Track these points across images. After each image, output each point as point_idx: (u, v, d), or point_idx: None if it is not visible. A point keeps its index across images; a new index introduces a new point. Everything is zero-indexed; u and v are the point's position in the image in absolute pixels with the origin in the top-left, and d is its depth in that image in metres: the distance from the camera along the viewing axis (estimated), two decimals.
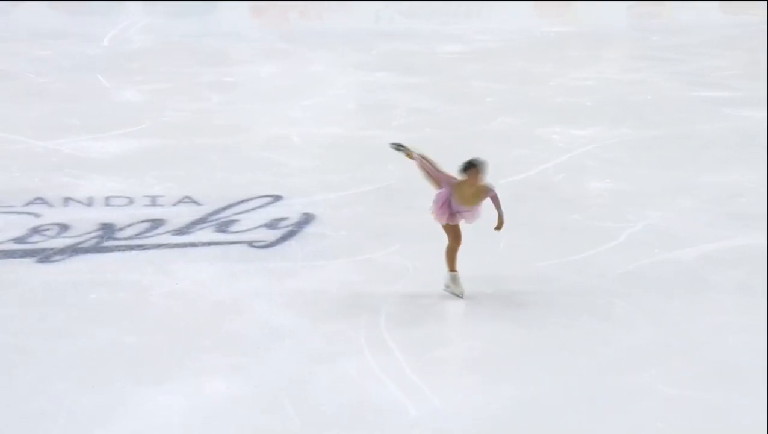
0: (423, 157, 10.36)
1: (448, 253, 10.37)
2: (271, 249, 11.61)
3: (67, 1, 23.64)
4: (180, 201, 12.70)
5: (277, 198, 12.72)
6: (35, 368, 9.41)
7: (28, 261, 11.36)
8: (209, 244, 11.72)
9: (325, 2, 24.16)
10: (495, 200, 10.29)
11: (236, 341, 9.81)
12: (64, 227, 12.02)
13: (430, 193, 12.80)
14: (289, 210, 12.40)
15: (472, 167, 10.13)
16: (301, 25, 22.59)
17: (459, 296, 10.39)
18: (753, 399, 8.94)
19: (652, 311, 10.26)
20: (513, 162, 13.72)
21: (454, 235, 10.34)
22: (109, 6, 23.84)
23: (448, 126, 15.36)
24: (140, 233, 11.91)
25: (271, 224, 12.10)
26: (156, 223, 12.13)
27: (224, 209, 12.45)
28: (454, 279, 10.40)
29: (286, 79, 17.70)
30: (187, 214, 12.34)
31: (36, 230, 11.96)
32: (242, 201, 12.60)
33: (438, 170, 10.31)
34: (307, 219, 12.14)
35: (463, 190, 10.22)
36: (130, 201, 12.73)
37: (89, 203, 12.71)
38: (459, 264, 10.38)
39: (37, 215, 12.33)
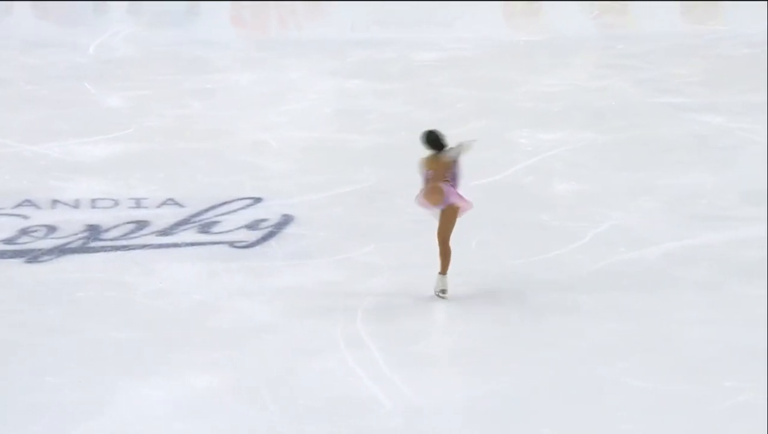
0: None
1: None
2: (252, 249, 11.61)
3: (55, 9, 23.57)
4: (164, 203, 12.68)
5: (258, 200, 12.71)
6: (27, 363, 9.40)
7: (17, 261, 11.33)
8: (192, 244, 11.71)
9: (303, 12, 24.12)
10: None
11: (219, 337, 9.82)
12: (52, 229, 12.00)
13: (404, 194, 12.87)
14: (269, 212, 12.39)
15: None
16: (280, 34, 22.55)
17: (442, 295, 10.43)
18: (715, 389, 8.99)
19: (618, 307, 10.31)
20: (484, 165, 13.73)
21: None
22: (94, 16, 23.76)
23: (420, 131, 15.35)
24: (125, 234, 11.89)
25: (252, 225, 12.10)
26: (141, 224, 12.11)
27: (206, 210, 12.43)
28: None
29: (265, 85, 17.67)
30: (170, 215, 12.32)
31: (25, 232, 11.94)
32: (224, 203, 12.59)
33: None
34: (286, 220, 12.14)
35: (429, 161, 10.31)
36: (116, 203, 12.70)
37: (76, 205, 12.68)
38: (433, 261, 10.40)
39: (25, 217, 12.30)
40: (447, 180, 10.23)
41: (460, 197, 10.27)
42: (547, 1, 25.15)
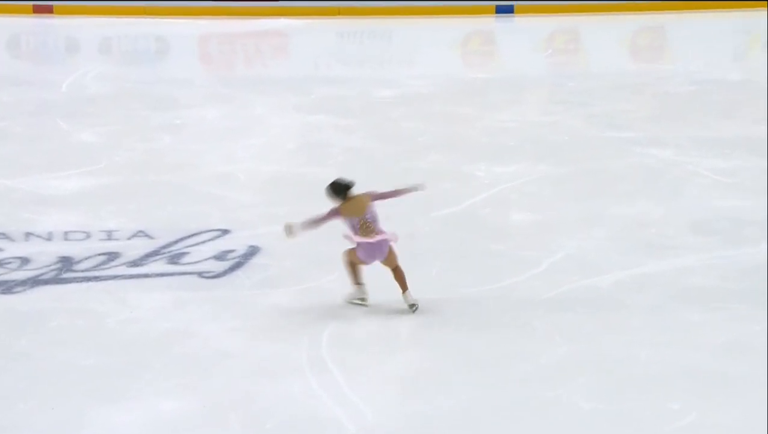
0: (308, 221, 10.52)
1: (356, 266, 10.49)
2: (219, 279, 11.59)
3: (28, 48, 23.55)
4: (134, 235, 12.65)
5: (225, 232, 12.70)
6: None
7: None
8: (162, 275, 11.68)
9: (268, 50, 24.20)
10: (384, 196, 10.43)
11: (187, 362, 9.79)
12: (25, 261, 11.94)
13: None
14: (236, 243, 12.38)
15: (342, 191, 10.27)
16: (246, 72, 22.60)
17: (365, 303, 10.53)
18: (662, 410, 9.04)
19: (569, 331, 10.35)
20: (443, 197, 13.80)
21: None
22: (67, 55, 23.74)
23: (381, 163, 15.42)
24: (97, 265, 11.85)
25: (220, 256, 12.08)
26: (112, 256, 12.07)
27: (176, 242, 12.41)
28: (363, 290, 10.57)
29: (231, 121, 17.69)
30: (141, 247, 12.28)
31: None
32: (193, 235, 12.57)
33: (324, 216, 10.46)
34: (253, 251, 12.13)
35: (347, 209, 10.31)
36: (87, 235, 12.66)
37: (49, 237, 12.62)
38: (395, 289, 10.48)
39: None
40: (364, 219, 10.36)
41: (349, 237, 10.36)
42: (502, 42, 25.36)
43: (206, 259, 12.01)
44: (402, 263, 10.55)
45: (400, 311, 10.59)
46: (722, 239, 12.59)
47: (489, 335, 10.30)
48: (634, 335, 10.29)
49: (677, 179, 14.77)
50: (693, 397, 9.20)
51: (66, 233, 12.73)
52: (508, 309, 10.81)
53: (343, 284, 11.07)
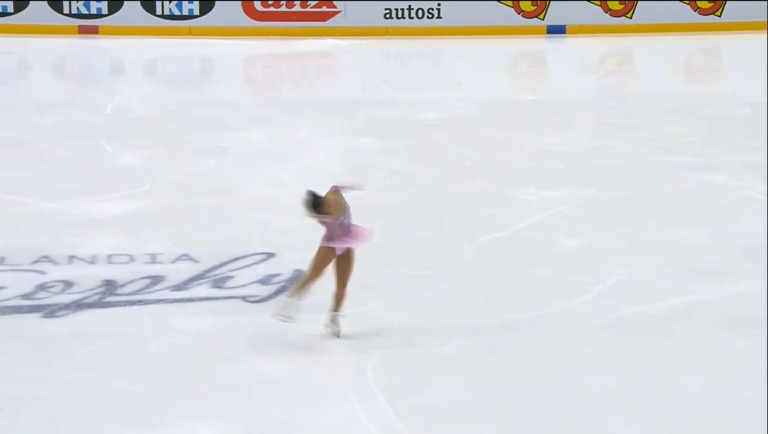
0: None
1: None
2: (264, 304, 11.65)
3: (73, 71, 23.78)
4: (178, 259, 12.73)
5: (270, 255, 12.77)
6: (38, 412, 9.44)
7: (34, 316, 11.37)
8: (206, 299, 11.75)
9: (315, 72, 24.34)
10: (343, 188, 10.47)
11: (229, 388, 9.85)
12: (68, 284, 12.05)
13: (411, 249, 12.91)
14: (282, 267, 12.43)
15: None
16: (291, 94, 22.71)
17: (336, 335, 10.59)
18: None
19: (619, 359, 10.34)
20: (490, 221, 13.81)
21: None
22: (111, 78, 23.96)
23: (427, 187, 15.44)
24: (141, 289, 11.94)
25: (265, 280, 12.15)
26: (155, 279, 12.16)
27: (220, 266, 12.48)
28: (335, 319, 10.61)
29: (276, 143, 17.77)
30: (185, 271, 12.37)
31: (42, 287, 11.98)
32: (237, 258, 12.65)
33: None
34: (298, 275, 12.15)
35: (332, 210, 10.62)
36: (131, 259, 12.76)
37: (92, 261, 12.74)
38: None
39: (43, 273, 12.35)
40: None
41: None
42: (553, 63, 25.37)
43: (251, 283, 12.08)
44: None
45: (446, 337, 10.60)
46: None
47: (536, 363, 10.31)
48: (685, 364, 10.26)
49: (729, 204, 14.71)
50: (742, 428, 9.16)
51: (110, 256, 12.84)
52: (556, 337, 10.80)
53: (389, 310, 11.11)
